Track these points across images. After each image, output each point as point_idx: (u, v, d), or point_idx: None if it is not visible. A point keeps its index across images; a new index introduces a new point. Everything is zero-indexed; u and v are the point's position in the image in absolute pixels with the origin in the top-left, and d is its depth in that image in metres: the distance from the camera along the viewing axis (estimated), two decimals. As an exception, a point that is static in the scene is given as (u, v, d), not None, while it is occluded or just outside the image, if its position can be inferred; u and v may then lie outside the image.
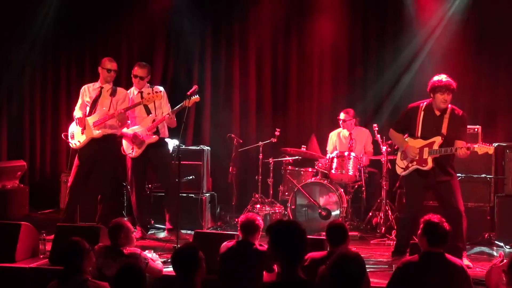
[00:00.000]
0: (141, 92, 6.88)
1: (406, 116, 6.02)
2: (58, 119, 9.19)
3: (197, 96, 6.62)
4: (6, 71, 9.00)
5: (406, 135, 6.05)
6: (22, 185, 8.35)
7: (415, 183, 5.91)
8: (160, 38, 9.05)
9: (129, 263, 3.71)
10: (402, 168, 5.98)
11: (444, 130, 5.79)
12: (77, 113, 6.81)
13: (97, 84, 6.84)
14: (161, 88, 6.95)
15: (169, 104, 6.91)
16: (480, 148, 5.72)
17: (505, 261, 4.68)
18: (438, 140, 5.78)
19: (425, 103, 5.90)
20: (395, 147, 6.63)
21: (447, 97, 5.73)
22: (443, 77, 5.75)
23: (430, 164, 5.77)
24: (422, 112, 5.88)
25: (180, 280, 3.68)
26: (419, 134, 5.88)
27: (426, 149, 5.79)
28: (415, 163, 5.85)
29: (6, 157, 8.95)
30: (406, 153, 5.89)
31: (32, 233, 5.85)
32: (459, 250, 5.21)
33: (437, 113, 5.84)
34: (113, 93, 6.77)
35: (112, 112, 6.66)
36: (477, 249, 6.61)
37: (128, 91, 6.96)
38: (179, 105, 6.62)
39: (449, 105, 5.85)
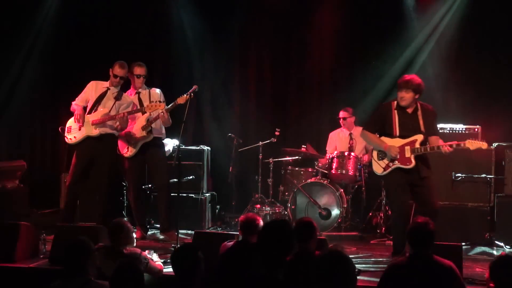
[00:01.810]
0: (138, 93, 6.88)
1: (380, 116, 6.08)
2: (58, 119, 9.15)
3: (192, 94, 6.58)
4: (7, 71, 8.99)
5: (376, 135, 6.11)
6: (22, 185, 8.33)
7: (399, 181, 5.94)
8: (160, 38, 9.04)
9: (125, 263, 3.70)
10: (382, 167, 5.99)
11: (422, 127, 5.89)
12: (76, 106, 6.79)
13: (105, 84, 6.83)
14: (158, 90, 6.97)
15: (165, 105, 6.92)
16: (472, 144, 5.75)
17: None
18: (419, 138, 5.87)
19: (396, 102, 5.98)
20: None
21: (404, 95, 5.84)
22: (404, 76, 5.93)
23: (413, 162, 5.84)
24: (395, 111, 5.95)
25: (179, 280, 3.68)
26: (397, 133, 5.93)
27: (408, 148, 5.84)
28: (397, 162, 5.89)
29: (6, 157, 8.94)
30: (388, 153, 5.91)
31: (32, 233, 5.84)
32: (459, 249, 5.20)
33: (409, 110, 5.93)
34: (118, 97, 6.76)
35: (114, 114, 6.65)
36: (477, 249, 6.61)
37: (127, 93, 6.96)
38: (172, 103, 6.61)
39: (418, 102, 5.96)
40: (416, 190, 5.92)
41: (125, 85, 7.05)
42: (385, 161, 5.96)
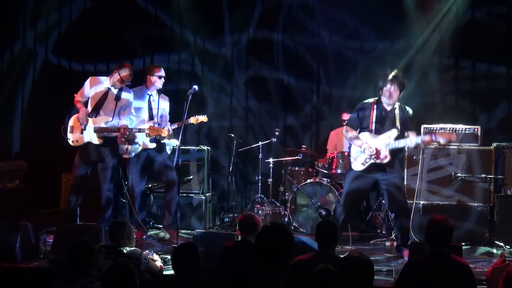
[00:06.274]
0: (150, 95, 6.93)
1: (360, 112, 6.25)
2: (58, 119, 9.16)
3: (205, 116, 6.82)
4: (7, 71, 9.01)
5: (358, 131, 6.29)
6: (22, 185, 8.34)
7: (362, 182, 6.17)
8: (160, 37, 9.04)
9: (118, 263, 3.69)
10: (360, 163, 6.18)
11: (398, 124, 6.07)
12: (79, 102, 6.80)
13: (105, 83, 6.80)
14: (167, 100, 7.05)
15: (168, 115, 7.02)
16: (442, 137, 5.93)
17: (506, 261, 4.68)
18: (394, 133, 6.05)
19: (376, 99, 6.19)
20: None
21: (393, 91, 6.02)
22: (390, 72, 6.05)
23: (389, 157, 6.03)
24: (375, 108, 6.14)
25: (179, 279, 3.68)
26: (373, 129, 6.13)
27: (383, 143, 6.03)
28: (373, 157, 6.07)
29: (6, 157, 8.94)
30: (364, 150, 6.09)
31: (32, 233, 5.84)
32: (459, 249, 5.20)
33: (388, 108, 6.13)
34: (118, 97, 6.75)
35: (115, 120, 6.66)
36: (477, 249, 6.61)
37: (136, 90, 6.95)
38: (182, 121, 6.58)
39: (398, 103, 6.15)
40: (384, 188, 6.15)
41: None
42: (362, 157, 6.15)
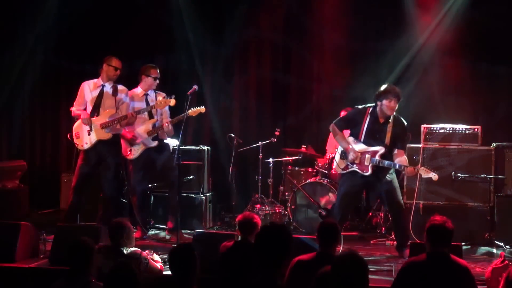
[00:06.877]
0: (146, 95, 6.90)
1: (352, 117, 6.24)
2: (58, 119, 9.19)
3: (203, 106, 6.75)
4: (7, 71, 9.01)
5: (345, 133, 6.27)
6: (22, 185, 8.34)
7: (354, 183, 6.16)
8: (160, 37, 9.04)
9: (121, 263, 3.69)
10: (341, 168, 6.23)
11: (387, 140, 6.03)
12: (77, 110, 6.80)
13: (98, 82, 6.81)
14: (164, 96, 7.00)
15: (168, 111, 6.97)
16: (425, 171, 5.96)
17: (506, 261, 4.69)
18: (381, 150, 6.03)
19: (371, 108, 6.12)
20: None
21: (394, 105, 5.97)
22: (391, 85, 6.02)
23: (370, 171, 6.04)
24: (368, 117, 6.09)
25: (177, 279, 3.67)
26: (362, 139, 6.11)
27: (368, 156, 6.03)
28: (355, 165, 6.08)
29: (6, 157, 8.94)
30: (348, 155, 6.10)
31: (32, 233, 5.84)
32: (459, 249, 5.21)
33: (381, 120, 6.07)
34: (114, 92, 6.74)
35: (120, 114, 6.65)
36: (477, 249, 6.61)
37: (132, 91, 6.95)
38: (182, 115, 6.59)
39: (393, 113, 6.09)
40: (381, 189, 6.15)
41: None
42: (345, 162, 6.18)
